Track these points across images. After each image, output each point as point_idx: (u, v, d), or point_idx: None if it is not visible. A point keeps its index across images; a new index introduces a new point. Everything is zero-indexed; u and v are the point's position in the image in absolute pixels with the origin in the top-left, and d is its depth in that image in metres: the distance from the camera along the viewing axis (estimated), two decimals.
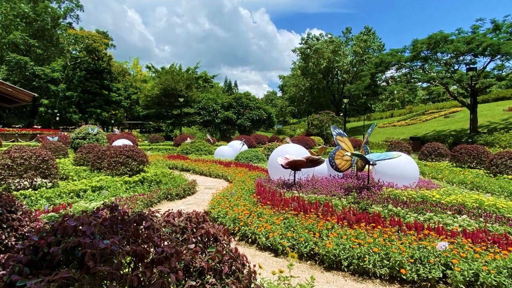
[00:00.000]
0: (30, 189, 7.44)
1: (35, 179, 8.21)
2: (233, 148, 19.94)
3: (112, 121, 67.85)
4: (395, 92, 40.50)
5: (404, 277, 4.00)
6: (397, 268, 4.06)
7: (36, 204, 6.83)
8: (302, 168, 9.01)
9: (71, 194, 7.59)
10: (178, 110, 45.35)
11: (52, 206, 6.73)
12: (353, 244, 4.53)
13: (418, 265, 4.08)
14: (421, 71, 31.53)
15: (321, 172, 10.08)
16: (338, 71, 60.58)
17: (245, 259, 2.70)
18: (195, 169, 15.01)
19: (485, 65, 28.39)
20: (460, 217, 5.72)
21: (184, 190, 9.57)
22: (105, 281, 1.87)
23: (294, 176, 9.03)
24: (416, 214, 6.04)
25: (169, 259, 2.05)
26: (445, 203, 6.53)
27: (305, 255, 4.80)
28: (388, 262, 4.15)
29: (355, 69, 59.46)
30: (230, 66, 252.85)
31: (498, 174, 11.40)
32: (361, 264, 4.25)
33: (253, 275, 2.60)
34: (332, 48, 56.34)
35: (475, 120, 28.91)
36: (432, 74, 29.91)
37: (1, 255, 2.88)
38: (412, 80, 32.69)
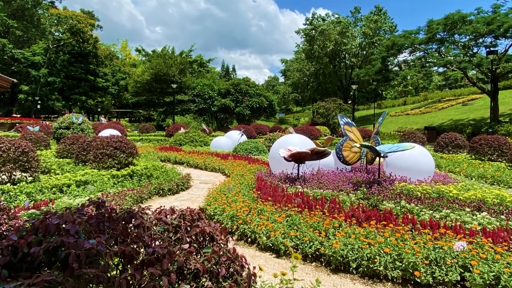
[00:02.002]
0: (8, 184, 7.44)
1: (14, 173, 8.20)
2: (231, 139, 19.93)
3: (99, 109, 67.76)
4: (409, 78, 40.29)
5: (418, 280, 4.00)
6: (411, 270, 4.06)
7: (15, 200, 6.83)
8: (306, 161, 9.00)
9: (54, 189, 7.59)
10: (171, 97, 45.21)
11: (32, 202, 6.73)
12: (362, 244, 4.53)
13: (434, 267, 4.08)
14: (436, 54, 31.39)
15: (328, 165, 10.08)
16: (346, 55, 60.33)
17: (244, 260, 2.69)
18: (189, 162, 15.01)
19: (507, 47, 28.27)
20: (480, 214, 5.72)
21: (177, 185, 9.57)
22: (90, 285, 1.86)
23: (298, 169, 9.02)
24: (432, 211, 6.05)
25: (161, 260, 2.04)
26: (463, 199, 6.53)
27: (310, 256, 4.80)
28: (400, 264, 4.15)
29: (364, 52, 59.21)
30: (227, 49, 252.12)
31: None
32: (371, 266, 4.25)
33: (252, 278, 2.60)
34: (339, 30, 56.02)
35: (496, 108, 28.85)
36: (449, 57, 29.76)
37: None
38: (427, 65, 32.56)
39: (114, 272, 2.05)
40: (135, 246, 2.11)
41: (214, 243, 2.69)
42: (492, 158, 13.80)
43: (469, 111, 37.84)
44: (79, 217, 2.22)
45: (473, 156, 14.46)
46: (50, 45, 57.00)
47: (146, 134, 31.92)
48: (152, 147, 20.84)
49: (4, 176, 8.07)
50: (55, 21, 58.59)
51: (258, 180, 8.75)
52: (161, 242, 2.34)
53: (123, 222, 2.30)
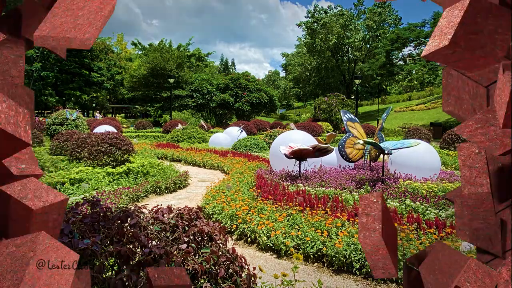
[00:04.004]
0: None
1: None
2: (230, 135, 19.93)
3: (93, 105, 67.66)
4: (414, 72, 40.40)
5: None
6: None
7: None
8: (308, 158, 8.99)
9: None
10: (168, 92, 45.16)
11: None
12: None
13: None
14: None
15: (330, 163, 10.08)
16: (349, 48, 60.18)
17: (243, 261, 2.70)
18: (187, 159, 15.02)
19: None
20: None
21: (174, 183, 9.58)
22: None
23: (299, 167, 9.02)
24: (437, 210, 6.05)
25: (157, 261, 2.03)
26: None
27: (312, 256, 4.80)
28: None
29: (368, 46, 59.05)
30: (226, 43, 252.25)
31: None
32: None
33: (252, 279, 2.60)
34: (342, 22, 55.87)
35: None
36: None
37: None
38: None
39: (110, 273, 2.05)
40: (131, 246, 2.10)
41: (213, 243, 2.68)
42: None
43: None
44: (73, 216, 2.21)
45: None
46: None
47: (143, 131, 31.91)
48: (148, 144, 20.85)
49: None
50: None
51: (258, 178, 8.76)
52: (158, 242, 2.34)
53: (119, 222, 2.30)
